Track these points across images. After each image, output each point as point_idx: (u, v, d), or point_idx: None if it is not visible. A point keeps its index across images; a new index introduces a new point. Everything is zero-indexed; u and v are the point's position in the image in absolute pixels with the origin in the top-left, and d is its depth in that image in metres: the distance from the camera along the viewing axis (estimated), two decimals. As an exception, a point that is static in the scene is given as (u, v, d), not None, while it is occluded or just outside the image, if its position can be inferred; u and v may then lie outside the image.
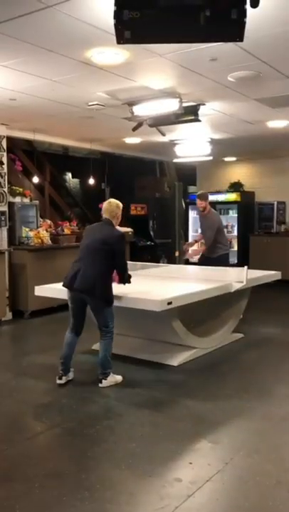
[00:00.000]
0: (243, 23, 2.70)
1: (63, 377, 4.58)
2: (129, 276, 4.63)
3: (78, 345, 5.79)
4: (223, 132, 8.05)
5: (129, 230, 9.87)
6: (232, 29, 2.75)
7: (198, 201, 7.23)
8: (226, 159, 11.29)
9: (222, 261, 7.02)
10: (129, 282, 4.62)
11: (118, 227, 4.81)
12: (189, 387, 4.57)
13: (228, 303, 5.78)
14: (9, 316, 7.38)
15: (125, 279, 4.59)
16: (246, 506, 2.72)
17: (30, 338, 6.79)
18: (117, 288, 4.61)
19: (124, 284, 4.59)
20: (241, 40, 2.83)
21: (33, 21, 3.51)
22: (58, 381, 4.56)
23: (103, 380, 4.51)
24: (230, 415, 3.93)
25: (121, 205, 4.75)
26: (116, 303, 4.72)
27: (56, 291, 5.27)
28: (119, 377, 4.61)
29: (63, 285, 4.60)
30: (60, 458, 3.31)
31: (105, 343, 4.57)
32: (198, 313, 5.37)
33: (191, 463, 3.19)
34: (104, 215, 4.67)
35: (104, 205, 4.72)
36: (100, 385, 4.51)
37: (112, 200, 4.78)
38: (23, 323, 7.28)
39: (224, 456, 3.26)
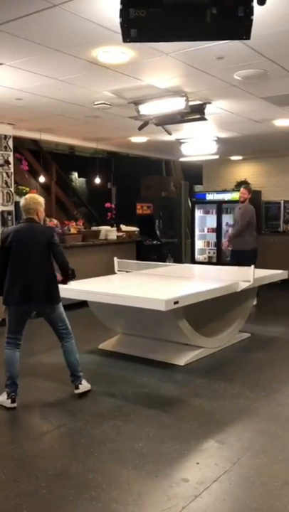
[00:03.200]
0: (250, 21, 2.69)
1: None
2: (73, 271, 4.26)
3: (84, 344, 5.82)
4: (229, 131, 8.02)
5: (135, 229, 9.88)
6: (239, 27, 2.74)
7: (243, 190, 7.94)
8: (232, 158, 11.25)
9: (254, 255, 7.65)
10: (74, 277, 4.30)
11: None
12: (196, 386, 4.55)
13: (234, 302, 5.76)
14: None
15: (70, 275, 4.23)
16: (253, 507, 2.70)
17: (36, 338, 6.77)
18: (122, 288, 4.60)
19: (71, 280, 4.28)
20: (248, 38, 2.82)
21: (39, 20, 3.51)
22: (11, 405, 4.03)
23: (80, 385, 4.30)
24: (237, 415, 3.92)
25: (41, 199, 4.31)
26: (122, 302, 4.72)
27: (62, 290, 5.26)
28: (88, 385, 4.38)
29: (10, 303, 4.10)
30: (66, 458, 3.31)
31: (73, 342, 4.35)
32: (204, 313, 5.35)
33: (198, 463, 3.17)
34: (25, 214, 4.24)
35: (22, 201, 4.28)
36: (77, 391, 4.28)
37: (31, 195, 4.41)
38: (28, 323, 7.25)
39: (231, 456, 3.25)
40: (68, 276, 4.23)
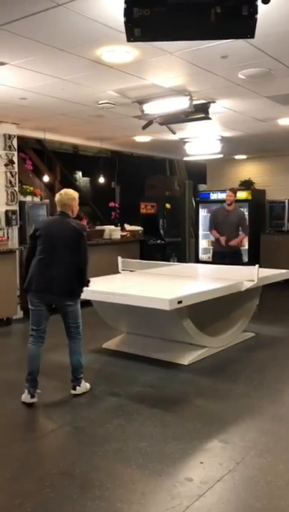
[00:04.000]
0: (255, 20, 2.68)
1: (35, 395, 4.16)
2: (88, 281, 4.30)
3: (88, 343, 5.83)
4: (233, 130, 8.00)
5: (139, 228, 9.87)
6: (243, 26, 2.74)
7: (229, 193, 7.93)
8: (237, 157, 11.23)
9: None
10: (88, 286, 4.31)
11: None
12: (200, 386, 4.55)
13: (238, 302, 5.75)
14: (20, 314, 7.41)
15: (85, 284, 4.25)
16: (257, 506, 2.70)
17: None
18: (126, 288, 4.60)
19: (86, 286, 4.28)
20: (252, 36, 2.81)
21: (43, 20, 3.51)
22: (31, 400, 4.11)
23: (77, 387, 4.30)
24: (241, 415, 3.91)
25: (76, 195, 4.39)
26: (126, 302, 4.72)
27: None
28: (88, 385, 4.39)
29: (32, 290, 4.18)
30: (70, 457, 3.31)
31: (80, 343, 4.36)
32: (208, 312, 5.34)
33: (202, 462, 3.17)
34: (60, 208, 4.31)
35: (57, 197, 4.34)
36: (74, 391, 4.28)
37: (66, 190, 4.44)
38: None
39: (235, 455, 3.24)
40: (83, 284, 4.25)
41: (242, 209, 8.41)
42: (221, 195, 10.95)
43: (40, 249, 4.18)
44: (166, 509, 2.66)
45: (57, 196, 4.39)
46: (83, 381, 4.34)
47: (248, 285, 5.33)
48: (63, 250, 4.15)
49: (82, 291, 4.28)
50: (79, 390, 4.30)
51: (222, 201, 10.81)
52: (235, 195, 7.98)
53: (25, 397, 4.13)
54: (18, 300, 7.35)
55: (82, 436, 3.62)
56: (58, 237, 4.18)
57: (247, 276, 5.44)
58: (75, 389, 4.30)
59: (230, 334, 5.73)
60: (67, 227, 4.22)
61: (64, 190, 4.45)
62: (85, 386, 4.36)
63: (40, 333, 4.26)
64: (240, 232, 7.94)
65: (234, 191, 8.04)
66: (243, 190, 10.91)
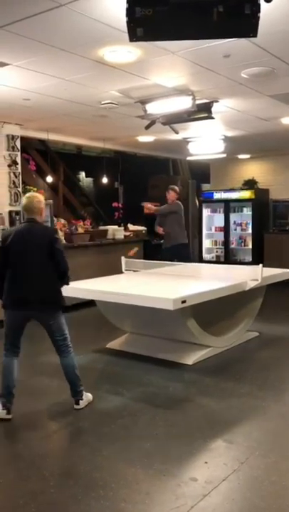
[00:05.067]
0: (257, 18, 2.68)
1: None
2: (68, 278, 4.03)
3: (92, 343, 5.84)
4: (236, 129, 7.99)
5: (142, 228, 9.87)
6: (246, 25, 2.73)
7: (172, 193, 8.28)
8: (240, 156, 11.22)
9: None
10: (67, 284, 4.05)
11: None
12: (204, 386, 4.54)
13: (242, 301, 5.74)
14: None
15: (67, 278, 4.00)
16: (262, 506, 2.69)
17: (45, 337, 6.78)
18: (130, 287, 4.59)
19: (66, 284, 4.03)
20: (255, 35, 2.81)
21: (45, 20, 3.52)
22: (6, 416, 3.84)
23: (80, 401, 4.03)
24: (245, 414, 3.90)
25: (43, 198, 4.11)
26: (130, 302, 4.72)
27: (70, 290, 5.26)
28: (90, 396, 4.16)
29: (7, 307, 3.93)
30: (74, 457, 3.32)
31: (72, 356, 4.10)
32: (212, 312, 5.34)
33: (206, 462, 3.17)
34: (28, 214, 3.99)
35: (25, 201, 4.03)
36: (77, 406, 4.01)
37: (33, 194, 4.21)
38: (36, 323, 7.29)
39: (240, 455, 3.24)
40: (64, 283, 4.02)
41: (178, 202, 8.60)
42: (225, 195, 10.97)
43: (12, 265, 3.86)
44: (170, 509, 2.66)
45: (24, 200, 4.05)
46: (84, 392, 4.10)
47: (251, 284, 5.32)
48: (36, 259, 3.85)
49: (64, 301, 4.02)
50: (82, 403, 4.04)
51: (225, 200, 10.89)
52: (177, 195, 8.31)
53: (0, 412, 3.85)
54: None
55: (86, 436, 3.62)
56: (29, 249, 3.85)
57: (251, 275, 5.43)
58: (78, 403, 4.02)
59: (234, 334, 5.72)
60: (38, 235, 3.92)
61: (31, 194, 4.18)
62: (87, 398, 4.11)
63: (15, 347, 4.03)
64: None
65: (175, 190, 8.32)
66: (246, 189, 10.91)
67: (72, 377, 4.06)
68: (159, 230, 8.37)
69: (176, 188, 8.40)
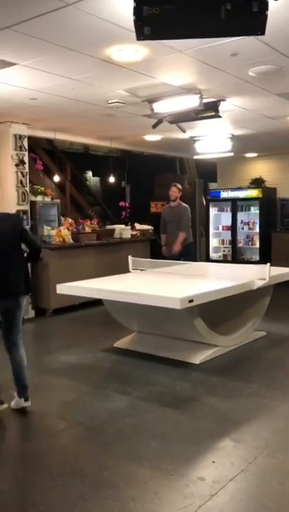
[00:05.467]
0: (265, 16, 2.67)
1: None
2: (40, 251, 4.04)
3: (99, 342, 5.85)
4: (244, 128, 7.96)
5: (149, 227, 9.87)
6: (253, 22, 2.72)
7: (173, 189, 7.90)
8: (247, 155, 11.18)
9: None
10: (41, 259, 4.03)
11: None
12: (211, 385, 4.54)
13: (250, 301, 5.72)
14: (32, 314, 7.45)
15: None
16: (270, 506, 2.69)
17: (53, 336, 6.84)
18: (137, 287, 4.59)
19: (41, 260, 4.02)
20: (263, 33, 2.80)
21: (53, 20, 3.52)
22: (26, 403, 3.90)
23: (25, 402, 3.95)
24: (253, 414, 3.89)
25: None
26: (137, 301, 4.71)
27: (78, 289, 5.29)
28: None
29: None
30: (82, 456, 3.32)
31: (23, 351, 4.01)
32: (220, 311, 5.33)
33: (214, 462, 3.16)
34: None
35: None
36: (27, 403, 3.95)
37: None
38: (45, 322, 7.34)
39: (247, 455, 3.23)
40: (39, 259, 4.11)
41: (185, 205, 8.06)
42: (232, 194, 10.94)
43: None
44: (178, 508, 2.65)
45: None
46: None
47: (259, 284, 5.30)
48: (7, 247, 3.82)
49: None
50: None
51: (233, 199, 10.86)
52: (179, 192, 7.95)
53: None
54: (30, 300, 7.38)
55: (93, 435, 3.62)
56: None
57: (258, 274, 5.42)
58: (27, 400, 3.96)
59: (241, 333, 5.70)
60: (4, 220, 3.91)
61: None
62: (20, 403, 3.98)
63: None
64: (179, 233, 7.80)
65: (178, 187, 8.00)
66: (253, 188, 10.87)
67: (25, 373, 3.96)
68: (163, 241, 8.04)
69: (179, 185, 8.17)
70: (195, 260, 7.92)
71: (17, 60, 4.46)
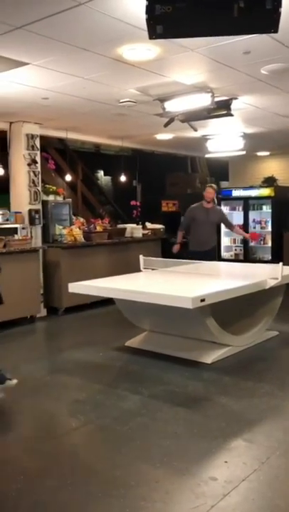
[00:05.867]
0: (279, 14, 2.65)
1: None
2: None
3: (111, 341, 5.85)
4: (255, 126, 7.92)
5: (160, 226, 9.86)
6: (267, 20, 2.70)
7: (210, 190, 7.67)
8: (259, 154, 11.12)
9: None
10: None
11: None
12: (223, 384, 4.52)
13: (262, 300, 5.69)
14: (44, 312, 7.49)
15: None
16: (283, 506, 2.67)
17: (65, 335, 6.86)
18: (148, 286, 4.58)
19: None
20: (276, 31, 2.78)
21: (65, 20, 3.53)
22: None
23: None
24: (265, 414, 3.87)
25: None
26: (149, 300, 4.70)
27: (89, 288, 5.30)
28: None
29: None
30: (94, 454, 3.33)
31: None
32: (231, 311, 5.30)
33: (226, 462, 3.15)
34: None
35: None
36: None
37: None
38: (57, 320, 7.37)
39: (260, 455, 3.21)
40: None
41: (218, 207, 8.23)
42: (244, 193, 10.88)
43: None
44: (190, 508, 2.65)
45: None
46: None
47: (271, 283, 5.26)
48: None
49: None
50: None
51: (244, 198, 10.81)
52: (215, 192, 7.80)
53: None
54: (42, 298, 7.42)
55: (105, 434, 3.63)
56: None
57: (271, 274, 5.38)
58: None
59: (253, 333, 5.67)
60: None
61: None
62: None
63: None
64: (235, 228, 8.18)
65: (214, 188, 7.83)
66: (265, 186, 10.80)
67: None
68: (179, 238, 7.90)
69: (214, 185, 8.03)
70: (214, 260, 7.86)
71: (29, 60, 4.48)
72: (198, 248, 7.63)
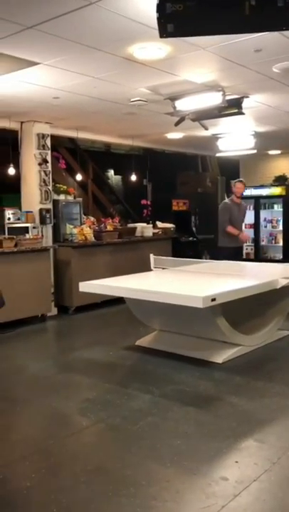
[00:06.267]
0: (291, 11, 2.62)
1: None
2: None
3: (121, 341, 5.85)
4: (267, 125, 7.88)
5: (171, 225, 9.84)
6: (278, 18, 2.67)
7: (240, 185, 7.66)
8: (270, 152, 11.06)
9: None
10: None
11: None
12: (234, 384, 4.50)
13: (274, 299, 5.65)
14: (54, 311, 7.51)
15: None
16: (295, 508, 2.65)
17: (75, 334, 6.88)
18: (159, 285, 4.57)
19: None
20: (288, 28, 2.75)
21: (75, 19, 3.53)
22: None
23: None
24: (276, 414, 3.85)
25: None
26: (159, 299, 4.70)
27: (100, 287, 5.30)
28: None
29: None
30: (105, 453, 3.33)
31: None
32: (242, 310, 5.28)
33: (237, 462, 3.14)
34: None
35: None
36: None
37: None
38: (67, 319, 7.40)
39: (271, 455, 3.19)
40: None
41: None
42: (255, 191, 10.84)
43: None
44: (201, 508, 2.64)
45: None
46: None
47: (283, 282, 5.22)
48: None
49: None
50: None
51: (255, 197, 10.76)
52: (244, 187, 7.84)
53: None
54: (52, 297, 7.45)
55: (116, 433, 3.63)
56: None
57: (282, 273, 5.35)
58: None
59: (264, 332, 5.64)
60: None
61: None
62: None
63: None
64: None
65: (244, 183, 7.86)
66: (277, 185, 10.74)
67: None
68: (236, 231, 7.75)
69: (244, 180, 8.07)
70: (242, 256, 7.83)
71: (40, 60, 4.49)
72: (232, 244, 7.61)
